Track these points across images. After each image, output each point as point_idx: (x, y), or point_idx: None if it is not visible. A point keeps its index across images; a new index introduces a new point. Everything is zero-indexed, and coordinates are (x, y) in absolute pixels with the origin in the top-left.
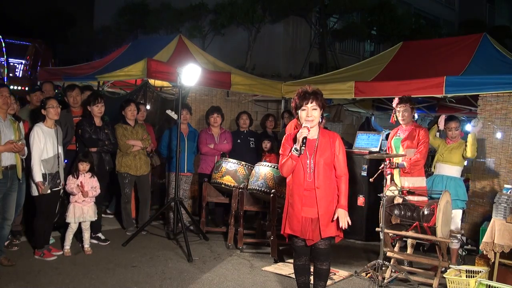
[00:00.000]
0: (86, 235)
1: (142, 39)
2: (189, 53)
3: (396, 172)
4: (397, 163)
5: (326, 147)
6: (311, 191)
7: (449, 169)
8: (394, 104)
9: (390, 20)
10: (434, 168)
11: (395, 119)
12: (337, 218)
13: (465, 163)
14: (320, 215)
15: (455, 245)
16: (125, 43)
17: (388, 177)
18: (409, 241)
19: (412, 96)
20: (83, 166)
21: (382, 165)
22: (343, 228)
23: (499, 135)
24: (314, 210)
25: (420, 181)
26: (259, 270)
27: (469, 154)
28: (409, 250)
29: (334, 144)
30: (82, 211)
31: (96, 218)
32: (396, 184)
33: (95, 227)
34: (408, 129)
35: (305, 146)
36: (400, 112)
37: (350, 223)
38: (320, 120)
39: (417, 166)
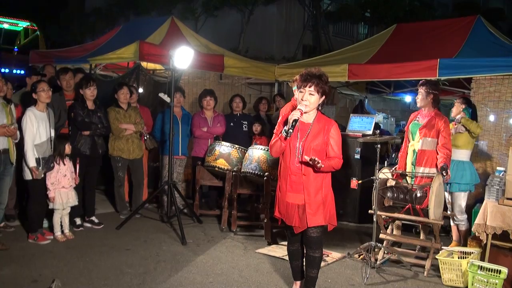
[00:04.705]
0: (67, 220)
1: (134, 21)
2: (182, 36)
3: (409, 160)
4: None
5: (319, 133)
6: (298, 176)
7: (455, 152)
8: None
9: (384, 2)
10: None
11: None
12: (327, 208)
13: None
14: (307, 203)
15: (461, 226)
16: (117, 25)
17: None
18: (395, 222)
19: (408, 78)
20: (70, 147)
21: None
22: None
23: (492, 118)
24: (300, 196)
25: (434, 172)
26: (252, 252)
27: (476, 131)
28: (395, 232)
29: (328, 132)
30: (67, 196)
31: (77, 203)
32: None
33: (88, 210)
34: (427, 116)
35: (293, 129)
36: (418, 94)
37: (323, 166)
38: (319, 107)
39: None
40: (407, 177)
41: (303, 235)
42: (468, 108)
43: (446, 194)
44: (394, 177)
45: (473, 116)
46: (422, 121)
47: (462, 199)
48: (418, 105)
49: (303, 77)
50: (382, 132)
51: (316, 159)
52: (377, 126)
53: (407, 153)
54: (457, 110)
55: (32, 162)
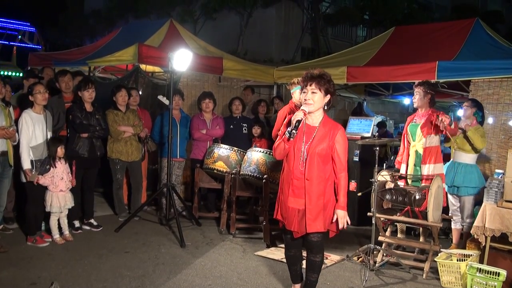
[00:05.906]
0: (65, 221)
1: (133, 23)
2: (181, 38)
3: (411, 161)
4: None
5: (324, 137)
6: (300, 181)
7: (463, 156)
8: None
9: (383, 4)
10: (452, 154)
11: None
12: (327, 214)
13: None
14: (307, 208)
15: (466, 229)
16: (116, 27)
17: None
18: (399, 226)
19: (407, 81)
20: (62, 149)
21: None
22: (342, 228)
23: (490, 120)
24: (301, 201)
25: (439, 168)
26: (251, 255)
27: (479, 146)
28: (399, 235)
29: (334, 137)
30: (65, 199)
31: (74, 204)
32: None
33: (87, 213)
34: (425, 115)
35: (296, 130)
36: (415, 94)
37: (349, 223)
38: (325, 107)
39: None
40: (408, 179)
41: (304, 239)
42: (478, 111)
43: (451, 197)
44: (394, 179)
45: (482, 119)
46: (420, 121)
47: (471, 203)
48: (415, 105)
49: (304, 78)
50: (387, 134)
51: (344, 225)
52: (382, 124)
53: (408, 155)
54: (467, 113)
55: (26, 165)
